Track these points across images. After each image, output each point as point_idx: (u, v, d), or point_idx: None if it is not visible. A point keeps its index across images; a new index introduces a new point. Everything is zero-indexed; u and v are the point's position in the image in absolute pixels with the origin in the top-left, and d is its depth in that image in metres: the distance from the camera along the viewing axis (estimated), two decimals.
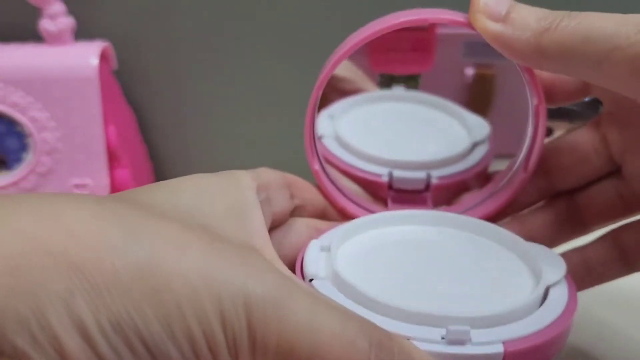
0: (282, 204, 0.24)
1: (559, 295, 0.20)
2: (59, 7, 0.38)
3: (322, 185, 0.27)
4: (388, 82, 0.36)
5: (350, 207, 0.27)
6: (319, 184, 0.27)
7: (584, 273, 0.26)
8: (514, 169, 0.27)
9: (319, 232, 0.25)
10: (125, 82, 0.44)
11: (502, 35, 0.21)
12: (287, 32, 0.43)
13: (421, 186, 0.29)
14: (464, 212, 0.27)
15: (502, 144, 0.29)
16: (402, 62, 0.34)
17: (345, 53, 0.25)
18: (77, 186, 0.39)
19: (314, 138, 0.27)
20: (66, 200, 0.17)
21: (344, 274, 0.21)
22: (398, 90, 0.36)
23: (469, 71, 0.35)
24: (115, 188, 0.40)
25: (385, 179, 0.29)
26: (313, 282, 0.21)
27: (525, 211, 0.27)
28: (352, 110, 0.35)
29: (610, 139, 0.25)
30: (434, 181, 0.29)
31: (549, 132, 0.36)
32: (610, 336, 0.31)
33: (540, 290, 0.20)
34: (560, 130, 0.40)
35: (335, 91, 0.35)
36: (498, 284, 0.22)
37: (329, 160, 0.30)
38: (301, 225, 0.25)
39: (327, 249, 0.22)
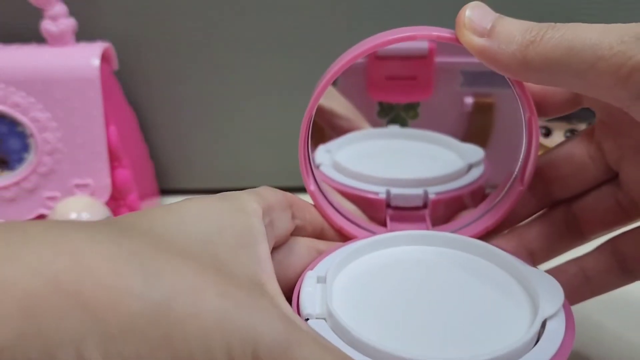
0: (284, 225, 0.24)
1: (556, 329, 0.20)
2: (60, 8, 0.38)
3: (318, 206, 0.27)
4: (387, 111, 0.36)
5: (347, 227, 0.27)
6: (315, 204, 0.27)
7: (583, 283, 0.26)
8: (510, 182, 0.27)
9: (318, 253, 0.25)
10: (126, 82, 0.44)
11: (488, 50, 0.21)
12: (287, 33, 0.44)
13: (419, 203, 0.29)
14: (463, 228, 0.27)
15: (501, 170, 0.29)
16: (401, 90, 0.34)
17: (336, 73, 0.24)
18: (78, 186, 0.39)
19: (308, 159, 0.27)
20: (80, 233, 0.17)
21: (338, 314, 0.20)
22: (393, 129, 0.36)
23: (468, 100, 0.36)
24: (116, 188, 0.40)
25: (382, 196, 0.29)
26: (309, 322, 0.21)
27: (523, 223, 0.27)
28: (348, 146, 0.35)
29: (605, 148, 0.25)
30: (432, 197, 0.29)
31: (548, 132, 0.37)
32: (604, 339, 0.31)
33: (537, 326, 0.20)
34: (558, 130, 0.40)
35: (331, 128, 0.35)
36: (495, 317, 0.21)
37: (326, 183, 0.30)
38: (301, 247, 0.25)
39: (323, 280, 0.22)
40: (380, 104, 0.37)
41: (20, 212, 0.39)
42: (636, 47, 0.18)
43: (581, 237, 0.26)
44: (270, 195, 0.23)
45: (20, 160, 0.39)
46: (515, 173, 0.27)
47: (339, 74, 0.24)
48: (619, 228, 0.26)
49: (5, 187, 0.39)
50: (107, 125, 0.39)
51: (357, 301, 0.22)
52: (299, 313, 0.21)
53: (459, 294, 0.23)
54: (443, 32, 0.23)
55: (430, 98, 0.35)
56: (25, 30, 0.42)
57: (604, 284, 0.26)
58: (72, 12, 0.40)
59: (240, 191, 0.22)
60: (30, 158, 0.39)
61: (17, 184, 0.39)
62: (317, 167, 0.26)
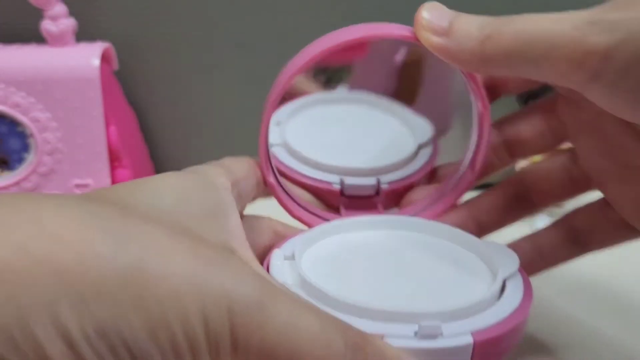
0: (250, 194, 0.25)
1: (516, 287, 0.21)
2: (60, 9, 0.38)
3: (277, 198, 0.27)
4: (320, 73, 0.36)
5: (305, 217, 0.28)
6: (274, 196, 0.27)
7: (538, 258, 0.27)
8: (461, 170, 0.28)
9: (275, 233, 0.26)
10: (126, 82, 0.44)
11: (447, 48, 0.21)
12: (287, 33, 0.44)
13: (372, 192, 0.30)
14: (416, 214, 0.28)
15: (433, 120, 0.30)
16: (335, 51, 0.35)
17: (297, 71, 0.26)
18: (78, 186, 0.39)
19: (268, 153, 0.27)
20: (46, 203, 0.17)
21: (311, 279, 0.21)
22: (342, 92, 0.36)
23: (399, 57, 0.35)
24: None
25: (337, 186, 0.30)
26: None
27: (475, 195, 0.28)
28: (297, 115, 0.35)
29: (563, 120, 0.26)
30: (384, 186, 0.30)
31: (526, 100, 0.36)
32: (562, 321, 0.31)
33: (499, 284, 0.21)
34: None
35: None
36: (458, 280, 0.23)
37: (281, 170, 0.30)
38: (262, 226, 0.26)
39: (290, 258, 0.23)
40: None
41: None
42: (588, 32, 0.19)
43: (531, 208, 0.27)
44: (236, 166, 0.24)
45: (20, 160, 0.39)
46: (466, 162, 0.28)
47: (300, 73, 0.25)
48: (569, 199, 0.27)
49: (6, 187, 0.39)
50: (107, 125, 0.39)
51: (327, 275, 0.23)
52: None
53: (424, 265, 0.24)
54: (404, 31, 0.23)
55: (364, 57, 0.35)
56: (25, 30, 0.42)
57: (557, 257, 0.27)
58: (72, 12, 0.40)
59: (208, 165, 0.23)
60: (31, 158, 0.39)
61: (17, 184, 0.39)
62: (270, 147, 0.27)
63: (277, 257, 0.23)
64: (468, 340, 0.19)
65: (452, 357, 0.19)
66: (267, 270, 0.22)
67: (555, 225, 0.27)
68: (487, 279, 0.23)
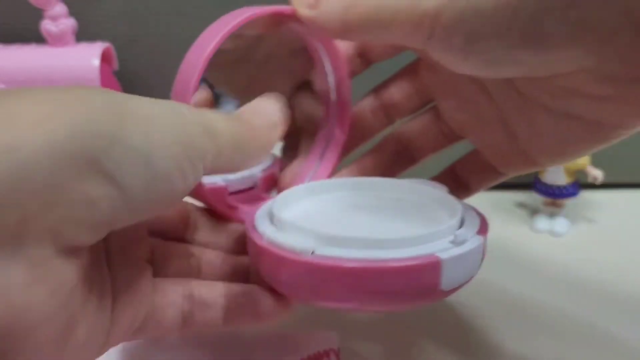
0: None
1: (473, 217, 0.24)
2: (60, 9, 0.39)
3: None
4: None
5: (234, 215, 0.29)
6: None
7: None
8: (331, 136, 0.31)
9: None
10: (125, 82, 0.44)
11: (316, 19, 0.25)
12: None
13: (251, 184, 0.32)
14: (309, 181, 0.31)
15: None
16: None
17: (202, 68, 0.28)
18: None
19: None
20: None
21: (298, 222, 0.23)
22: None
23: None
24: None
25: (222, 183, 0.31)
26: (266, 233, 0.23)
27: (359, 156, 0.31)
28: None
29: (426, 82, 0.28)
30: (259, 175, 0.32)
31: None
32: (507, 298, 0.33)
33: (459, 215, 0.24)
34: None
35: None
36: (431, 219, 0.26)
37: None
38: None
39: (270, 215, 0.25)
40: None
41: None
42: None
43: (412, 162, 0.30)
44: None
45: None
46: (332, 126, 0.31)
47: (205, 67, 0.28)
48: (444, 149, 0.29)
49: None
50: None
51: (304, 225, 0.24)
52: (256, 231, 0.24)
53: (392, 212, 0.27)
54: (285, 9, 0.26)
55: None
56: (25, 30, 0.43)
57: None
58: (72, 13, 0.40)
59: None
60: None
61: None
62: None
63: (260, 213, 0.25)
64: (480, 240, 0.23)
65: (475, 256, 0.23)
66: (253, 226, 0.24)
67: (441, 175, 0.30)
68: (447, 215, 0.25)
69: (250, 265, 0.26)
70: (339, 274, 0.21)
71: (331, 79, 0.30)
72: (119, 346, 0.26)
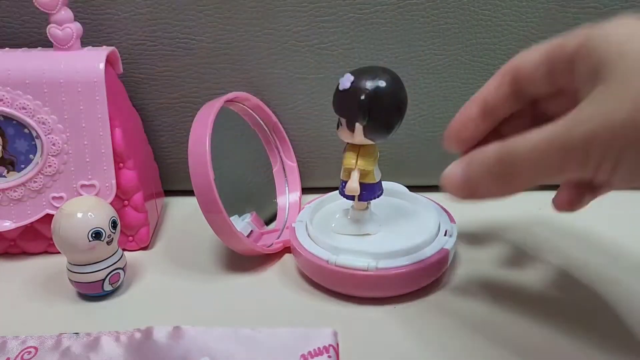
0: None
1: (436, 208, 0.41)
2: (66, 14, 0.39)
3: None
4: None
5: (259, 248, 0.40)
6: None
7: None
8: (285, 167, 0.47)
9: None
10: (130, 86, 0.45)
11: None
12: (287, 36, 0.44)
13: (250, 228, 0.42)
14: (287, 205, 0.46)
15: None
16: None
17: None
18: (83, 187, 0.40)
19: None
20: None
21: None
22: None
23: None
24: (121, 189, 0.41)
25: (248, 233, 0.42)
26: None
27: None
28: None
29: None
30: (248, 220, 0.42)
31: None
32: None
33: (442, 231, 0.39)
34: None
35: None
36: (424, 227, 0.39)
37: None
38: None
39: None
40: None
41: (27, 212, 0.40)
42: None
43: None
44: None
45: (27, 161, 0.40)
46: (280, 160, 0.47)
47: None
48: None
49: (13, 188, 0.40)
50: (112, 127, 0.39)
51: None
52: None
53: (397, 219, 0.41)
54: (235, 96, 0.39)
55: None
56: (31, 34, 0.43)
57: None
58: (78, 17, 0.41)
59: None
60: (37, 159, 0.40)
61: (23, 184, 0.40)
62: None
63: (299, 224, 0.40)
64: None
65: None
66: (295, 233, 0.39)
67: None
68: (431, 219, 0.40)
69: None
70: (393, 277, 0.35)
71: (266, 128, 0.46)
72: (120, 345, 0.27)
